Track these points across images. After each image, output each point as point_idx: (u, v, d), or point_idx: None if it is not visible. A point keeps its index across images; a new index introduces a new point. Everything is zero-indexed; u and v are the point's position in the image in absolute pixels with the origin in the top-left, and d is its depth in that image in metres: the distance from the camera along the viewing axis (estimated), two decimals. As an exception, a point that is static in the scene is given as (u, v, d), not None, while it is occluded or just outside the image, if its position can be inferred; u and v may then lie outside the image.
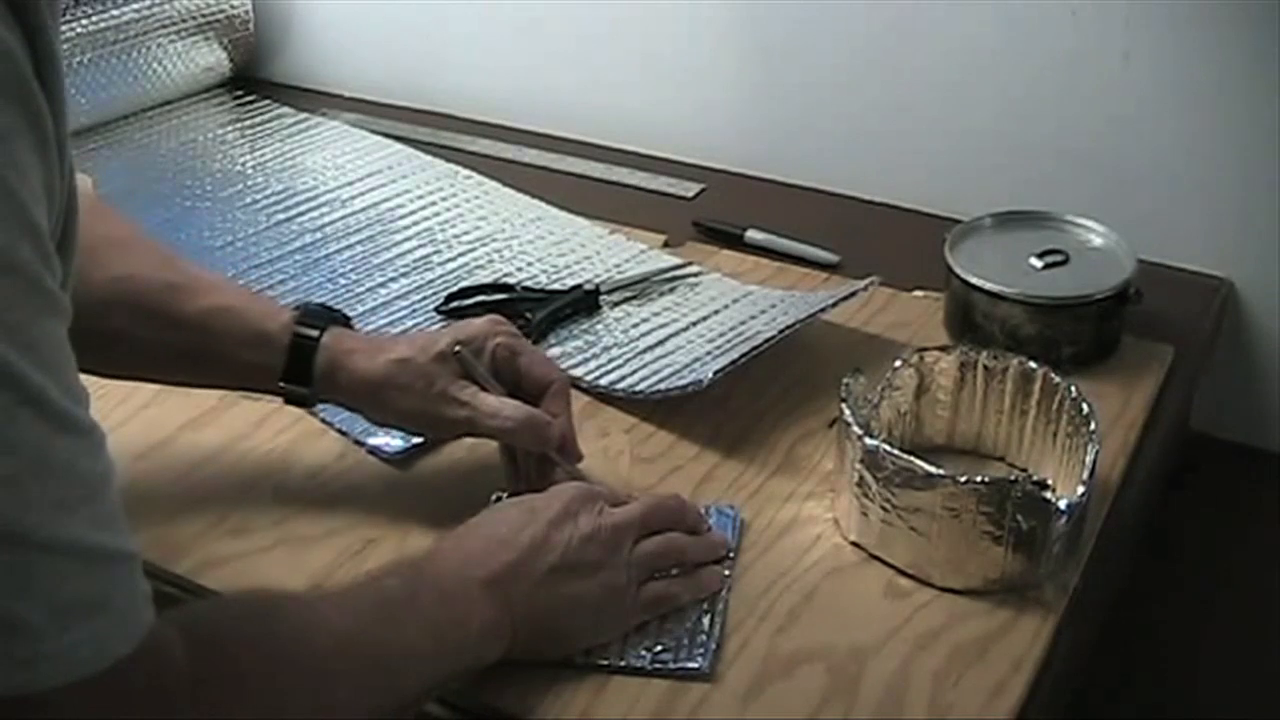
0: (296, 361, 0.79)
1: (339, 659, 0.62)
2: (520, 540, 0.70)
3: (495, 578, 0.68)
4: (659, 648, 0.72)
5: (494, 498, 0.80)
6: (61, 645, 0.49)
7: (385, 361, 0.79)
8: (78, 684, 0.49)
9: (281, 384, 0.80)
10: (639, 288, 1.04)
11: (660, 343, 0.97)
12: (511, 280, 1.05)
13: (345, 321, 0.83)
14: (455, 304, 1.02)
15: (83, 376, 0.53)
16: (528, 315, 0.99)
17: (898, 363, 0.84)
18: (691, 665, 0.71)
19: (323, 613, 0.64)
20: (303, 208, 1.18)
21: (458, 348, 0.79)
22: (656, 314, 1.01)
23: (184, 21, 1.34)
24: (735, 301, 1.02)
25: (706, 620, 0.73)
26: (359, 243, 1.12)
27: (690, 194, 1.21)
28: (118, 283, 0.78)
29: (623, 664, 0.71)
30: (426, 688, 0.66)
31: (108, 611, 0.51)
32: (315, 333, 0.79)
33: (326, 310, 0.83)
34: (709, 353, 0.94)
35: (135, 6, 1.30)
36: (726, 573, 0.77)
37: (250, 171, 1.25)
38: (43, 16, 0.50)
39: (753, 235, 1.11)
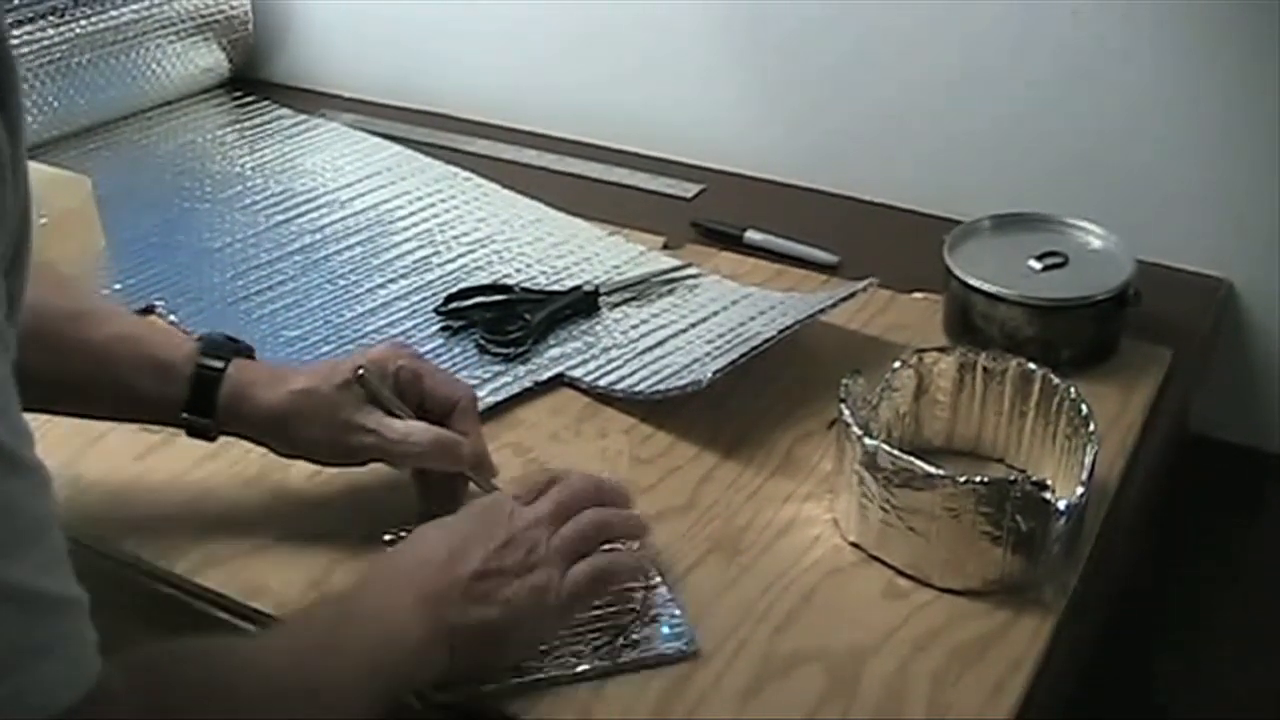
0: (199, 393, 0.77)
1: (278, 693, 0.62)
2: (441, 557, 0.69)
3: (424, 597, 0.68)
4: (626, 640, 0.72)
5: (385, 538, 0.79)
6: (6, 692, 0.48)
7: (288, 392, 0.77)
8: None
9: (184, 415, 0.78)
10: (638, 289, 1.04)
11: (659, 344, 0.97)
12: (511, 281, 1.05)
13: (249, 353, 0.81)
14: (454, 305, 1.02)
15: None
16: (527, 316, 0.99)
17: (897, 364, 0.84)
18: (681, 647, 0.71)
19: (259, 651, 0.64)
20: (302, 209, 1.18)
21: (360, 372, 0.77)
22: (656, 315, 1.01)
23: (183, 22, 1.34)
24: (734, 303, 1.02)
25: (670, 602, 0.74)
26: (358, 244, 1.12)
27: (689, 195, 1.21)
28: None
29: (613, 662, 0.71)
30: (367, 709, 0.65)
31: (54, 659, 0.50)
32: (219, 364, 0.78)
33: (230, 341, 0.81)
34: (708, 353, 0.94)
35: (134, 7, 1.30)
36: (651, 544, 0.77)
37: (249, 173, 1.25)
38: None
39: (752, 236, 1.11)
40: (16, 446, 0.49)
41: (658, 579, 0.76)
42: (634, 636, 0.72)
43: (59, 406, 0.80)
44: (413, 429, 0.78)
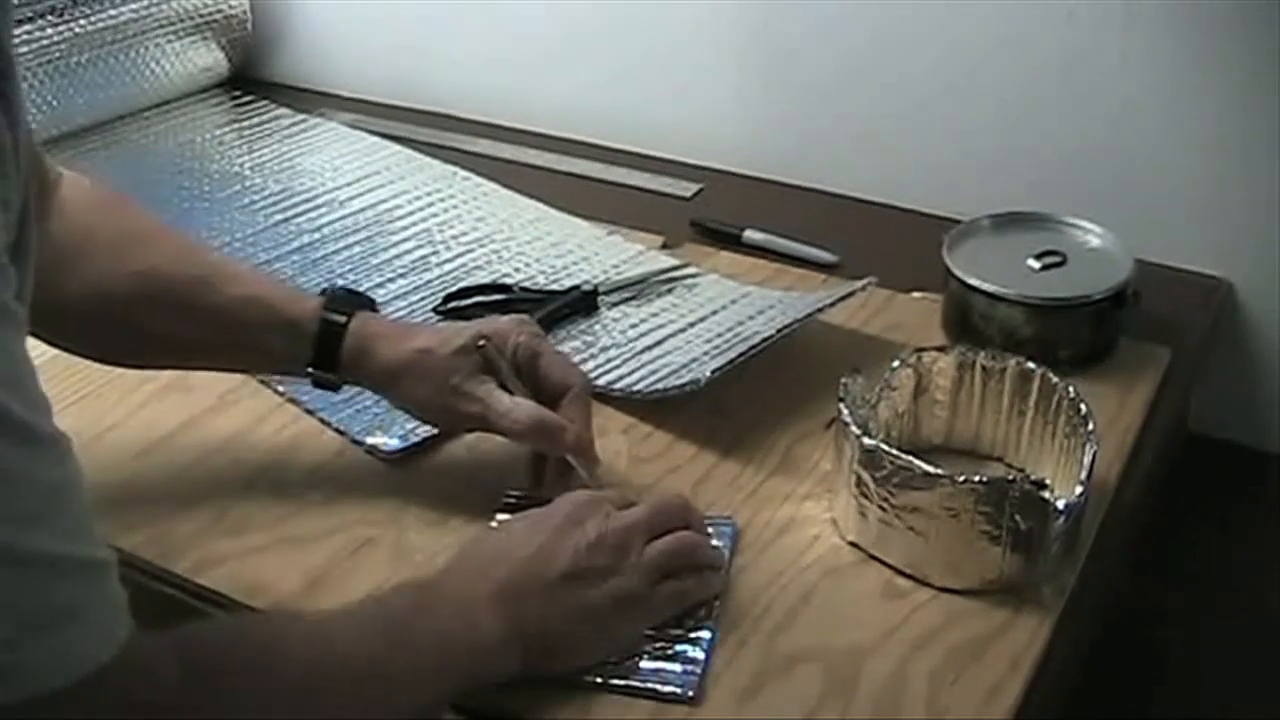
0: (324, 347, 0.80)
1: (342, 683, 0.62)
2: (527, 552, 0.69)
3: (503, 592, 0.67)
4: (648, 668, 0.70)
5: (506, 497, 0.80)
6: (35, 655, 0.49)
7: (408, 350, 0.79)
8: (54, 693, 0.49)
9: (310, 370, 0.81)
10: (637, 288, 1.04)
11: (658, 343, 0.97)
12: (510, 281, 1.05)
13: (371, 305, 0.84)
14: (453, 304, 1.02)
15: (74, 377, 0.52)
16: (526, 316, 0.99)
17: (896, 363, 0.84)
18: (677, 690, 0.69)
19: (327, 637, 0.64)
20: (301, 208, 1.18)
21: (483, 341, 0.79)
22: (654, 314, 1.01)
23: (182, 21, 1.34)
24: (733, 302, 1.02)
25: (699, 644, 0.72)
26: (357, 243, 1.12)
27: (688, 194, 1.21)
28: (141, 277, 0.79)
29: (614, 682, 0.69)
30: (434, 703, 0.65)
31: (81, 620, 0.50)
32: (343, 319, 0.80)
33: (353, 295, 0.84)
34: (707, 353, 0.94)
35: (133, 6, 1.30)
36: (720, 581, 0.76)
37: (248, 172, 1.25)
38: None
39: (751, 235, 1.11)
40: (32, 419, 0.50)
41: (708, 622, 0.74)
42: (645, 665, 0.70)
43: (193, 365, 0.87)
44: (518, 405, 0.78)
